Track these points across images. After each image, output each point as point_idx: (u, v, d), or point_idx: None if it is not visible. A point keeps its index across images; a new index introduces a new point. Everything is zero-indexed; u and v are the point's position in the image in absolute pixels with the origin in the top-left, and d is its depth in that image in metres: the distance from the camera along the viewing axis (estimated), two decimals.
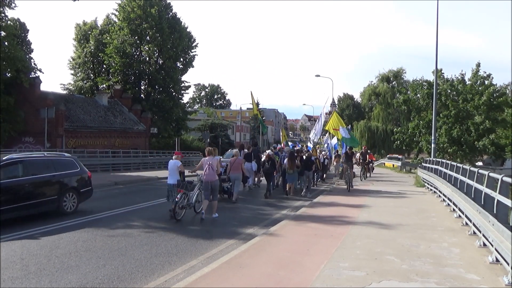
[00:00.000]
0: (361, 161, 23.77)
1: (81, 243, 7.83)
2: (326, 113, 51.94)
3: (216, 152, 11.09)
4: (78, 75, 42.16)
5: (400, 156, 44.03)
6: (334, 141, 29.78)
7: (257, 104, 26.74)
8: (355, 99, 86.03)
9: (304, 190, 16.09)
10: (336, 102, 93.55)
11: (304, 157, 16.47)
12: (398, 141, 35.61)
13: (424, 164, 20.55)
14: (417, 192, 17.52)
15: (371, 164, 26.77)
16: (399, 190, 18.31)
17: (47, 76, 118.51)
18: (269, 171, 15.91)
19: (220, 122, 63.32)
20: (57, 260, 6.70)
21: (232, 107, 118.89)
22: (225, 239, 8.39)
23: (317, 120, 29.28)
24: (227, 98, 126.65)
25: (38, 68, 30.69)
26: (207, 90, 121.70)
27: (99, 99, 35.24)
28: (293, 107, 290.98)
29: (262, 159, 16.95)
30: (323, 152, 25.99)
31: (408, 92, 36.89)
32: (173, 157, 11.25)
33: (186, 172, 11.75)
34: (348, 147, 19.34)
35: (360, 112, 78.48)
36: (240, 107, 71.34)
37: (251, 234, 8.94)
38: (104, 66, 41.13)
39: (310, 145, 29.58)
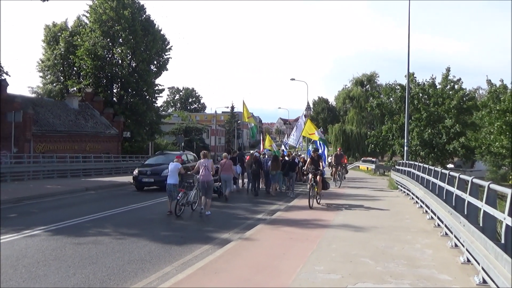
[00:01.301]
0: (334, 164, 22.43)
1: (49, 251, 7.60)
2: (304, 115, 52.43)
3: (210, 155, 13.24)
4: (47, 77, 41.10)
5: (374, 159, 44.87)
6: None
7: (252, 114, 26.95)
8: (330, 103, 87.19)
9: (290, 191, 17.82)
10: (311, 106, 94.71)
11: (287, 158, 18.61)
12: (372, 144, 36.28)
13: (397, 167, 20.98)
14: (390, 194, 17.86)
15: (343, 167, 26.91)
16: (373, 193, 18.62)
17: (14, 79, 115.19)
18: (256, 172, 17.51)
19: (194, 126, 62.96)
20: (24, 270, 6.47)
21: (207, 111, 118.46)
22: (199, 245, 8.31)
23: (295, 127, 29.54)
24: (201, 101, 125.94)
25: (5, 70, 29.76)
26: (181, 93, 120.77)
27: (69, 102, 34.47)
28: (269, 110, 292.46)
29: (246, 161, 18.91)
30: (301, 156, 26.35)
31: (381, 96, 37.68)
32: (174, 160, 12.51)
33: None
34: (338, 148, 21.76)
35: (335, 115, 79.56)
36: (215, 111, 70.98)
37: (226, 239, 8.89)
38: (75, 68, 40.25)
39: (284, 148, 29.78)
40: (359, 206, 13.59)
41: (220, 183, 15.41)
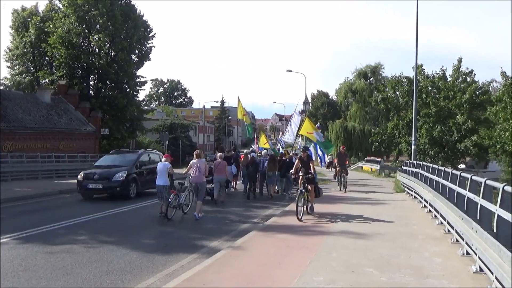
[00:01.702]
0: (337, 165, 21.74)
1: (18, 261, 7.55)
2: (299, 112, 52.47)
3: (203, 154, 13.41)
4: (16, 68, 40.75)
5: (378, 159, 45.10)
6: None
7: (245, 109, 27.28)
8: (330, 97, 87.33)
9: (286, 193, 18.41)
10: (310, 100, 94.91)
11: (283, 159, 19.08)
12: (377, 143, 36.48)
13: (404, 168, 21.11)
14: (396, 198, 17.97)
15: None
16: (378, 196, 18.72)
17: None
18: (253, 173, 17.81)
19: (180, 122, 62.74)
20: None
21: (195, 105, 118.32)
22: (186, 254, 8.31)
23: (289, 122, 29.61)
24: (188, 95, 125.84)
25: None
26: (165, 86, 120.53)
27: (40, 95, 34.21)
28: (263, 105, 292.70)
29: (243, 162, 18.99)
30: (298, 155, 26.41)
31: (387, 89, 37.87)
32: (163, 159, 12.86)
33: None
34: (341, 147, 21.94)
35: (336, 111, 79.76)
36: (204, 106, 70.74)
37: (215, 247, 8.90)
38: (47, 58, 39.96)
39: (280, 146, 29.83)
40: (361, 211, 13.66)
41: (213, 185, 15.73)
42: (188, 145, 58.11)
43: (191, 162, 12.73)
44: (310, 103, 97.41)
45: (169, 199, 11.95)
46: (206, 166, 12.87)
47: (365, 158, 49.94)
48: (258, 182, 18.73)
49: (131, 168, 16.41)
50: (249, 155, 18.81)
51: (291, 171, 13.36)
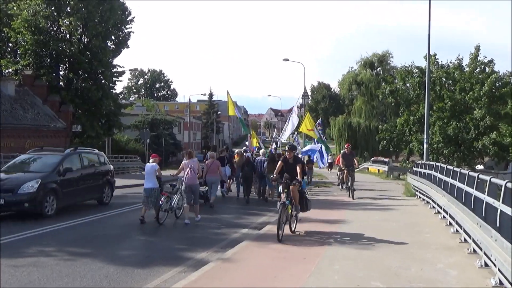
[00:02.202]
0: (343, 167, 20.44)
1: None
2: (298, 106, 52.56)
3: (195, 154, 14.02)
4: None
5: (386, 160, 45.29)
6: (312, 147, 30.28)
7: (235, 104, 27.71)
8: (332, 89, 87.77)
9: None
10: (309, 93, 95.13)
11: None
12: (385, 141, 36.61)
13: (415, 169, 21.18)
14: (406, 203, 18.07)
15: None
16: (385, 201, 18.81)
17: None
18: (249, 174, 18.14)
19: (163, 118, 62.64)
20: None
21: (179, 99, 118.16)
22: (170, 267, 8.30)
23: (288, 120, 29.70)
24: (172, 87, 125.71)
25: None
26: (146, 77, 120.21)
27: (3, 87, 33.98)
28: (256, 99, 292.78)
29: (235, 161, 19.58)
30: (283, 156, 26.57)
31: (396, 81, 38.03)
32: (150, 160, 13.11)
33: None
34: (346, 145, 21.23)
35: (339, 105, 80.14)
36: (189, 99, 70.54)
37: (203, 259, 8.90)
38: (10, 45, 39.64)
39: (275, 146, 29.96)
40: (367, 217, 13.73)
41: (206, 187, 16.29)
42: (171, 144, 58.07)
43: (183, 163, 13.21)
44: (309, 97, 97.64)
45: (160, 202, 12.48)
46: (199, 166, 13.39)
47: (372, 158, 50.14)
48: (254, 185, 19.08)
49: (48, 175, 13.69)
50: (244, 154, 19.21)
51: (272, 176, 12.17)
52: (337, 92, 79.98)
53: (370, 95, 59.34)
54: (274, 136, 48.94)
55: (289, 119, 29.76)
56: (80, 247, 9.77)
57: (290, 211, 10.51)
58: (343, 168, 20.57)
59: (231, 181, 20.25)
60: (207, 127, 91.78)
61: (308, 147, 29.16)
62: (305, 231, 11.34)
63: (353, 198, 18.98)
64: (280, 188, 18.54)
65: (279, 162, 11.28)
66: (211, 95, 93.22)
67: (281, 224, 10.02)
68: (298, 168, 10.73)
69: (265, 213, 15.23)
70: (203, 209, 15.07)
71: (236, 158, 19.77)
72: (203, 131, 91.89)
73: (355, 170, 21.61)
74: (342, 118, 59.40)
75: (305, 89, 65.01)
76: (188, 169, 12.88)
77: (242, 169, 18.40)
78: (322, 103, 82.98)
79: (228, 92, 24.65)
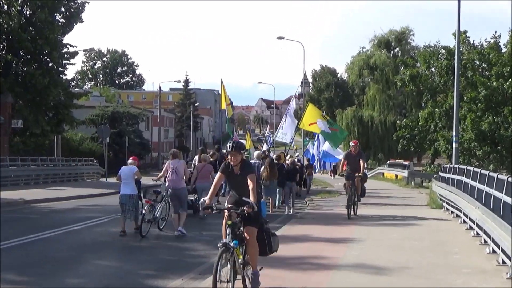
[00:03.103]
0: (346, 172, 18.21)
1: None
2: (295, 96, 52.62)
3: (181, 155, 14.61)
4: None
5: (406, 163, 45.42)
6: (326, 146, 30.39)
7: (230, 100, 28.35)
8: (338, 75, 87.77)
9: (287, 210, 19.33)
10: (310, 80, 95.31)
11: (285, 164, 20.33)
12: (404, 140, 36.75)
13: (441, 174, 21.25)
14: (431, 216, 18.14)
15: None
16: (404, 213, 18.87)
17: None
18: None
19: (127, 111, 62.23)
20: None
21: (147, 87, 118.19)
22: None
23: (285, 115, 29.73)
24: (138, 72, 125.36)
25: None
26: (105, 59, 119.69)
27: None
28: (244, 87, 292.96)
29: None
30: (296, 158, 26.74)
31: (418, 64, 38.23)
32: (128, 162, 13.93)
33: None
34: (353, 142, 19.22)
35: (347, 94, 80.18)
36: (159, 87, 69.98)
37: None
38: None
39: (264, 148, 30.07)
40: (383, 235, 13.75)
41: (196, 196, 17.01)
42: (137, 144, 57.75)
43: (167, 163, 14.14)
44: (310, 84, 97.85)
45: (143, 211, 13.14)
46: (186, 169, 14.20)
47: (388, 161, 50.31)
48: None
49: None
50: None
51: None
52: (344, 78, 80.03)
53: (385, 82, 59.46)
54: (266, 134, 49.01)
55: (286, 114, 29.79)
56: (20, 274, 9.68)
57: (240, 259, 7.74)
58: (341, 173, 19.36)
59: (222, 190, 20.77)
60: (182, 122, 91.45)
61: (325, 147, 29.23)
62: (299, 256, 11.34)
63: (355, 213, 17.69)
64: (277, 196, 18.76)
65: (218, 174, 8.29)
66: (186, 82, 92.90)
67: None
68: (250, 182, 7.75)
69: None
70: (191, 221, 15.23)
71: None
72: (177, 127, 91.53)
73: (366, 177, 19.92)
74: (351, 111, 59.50)
75: (304, 74, 65.50)
76: (170, 170, 13.55)
77: None
78: (326, 92, 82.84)
79: (222, 81, 24.96)
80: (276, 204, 20.42)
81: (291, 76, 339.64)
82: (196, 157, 19.97)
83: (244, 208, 7.44)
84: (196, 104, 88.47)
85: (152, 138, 69.25)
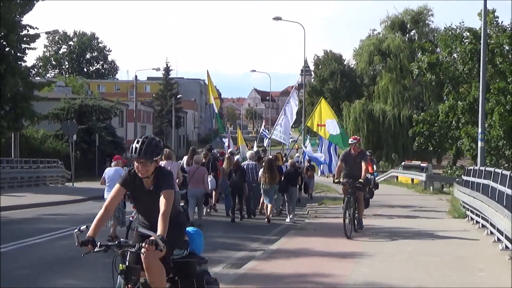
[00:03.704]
0: (342, 179, 16.47)
1: None
2: (296, 87, 52.63)
3: (174, 156, 15.22)
4: None
5: (424, 164, 45.40)
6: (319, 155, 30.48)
7: (217, 90, 28.81)
8: (345, 62, 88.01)
9: (288, 218, 19.76)
10: (312, 67, 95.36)
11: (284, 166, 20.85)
12: (421, 138, 36.79)
13: (465, 178, 21.28)
14: (453, 226, 18.15)
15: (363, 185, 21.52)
16: (422, 223, 18.88)
17: None
18: (238, 185, 19.05)
19: (97, 104, 62.03)
20: None
21: (121, 76, 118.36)
22: None
23: (283, 110, 29.72)
24: (110, 58, 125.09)
25: None
26: (72, 43, 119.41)
27: None
28: (234, 76, 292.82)
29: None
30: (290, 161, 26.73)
31: (438, 49, 38.26)
32: (113, 163, 14.53)
33: None
34: (352, 138, 17.30)
35: (354, 84, 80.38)
36: (135, 76, 69.67)
37: None
38: None
39: (255, 148, 30.17)
40: (397, 249, 13.74)
41: (184, 205, 17.04)
42: (109, 142, 57.47)
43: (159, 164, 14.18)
44: (312, 73, 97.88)
45: (131, 218, 13.40)
46: (180, 172, 14.91)
47: (403, 163, 50.23)
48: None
49: None
50: (232, 157, 20.70)
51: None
52: (352, 66, 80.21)
53: (400, 71, 59.54)
54: (261, 131, 48.95)
55: (285, 109, 29.74)
56: None
57: None
58: (337, 179, 16.75)
59: (215, 197, 21.41)
60: (162, 117, 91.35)
61: (318, 153, 29.23)
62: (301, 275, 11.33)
63: (355, 230, 16.10)
64: (273, 200, 18.74)
65: (115, 187, 6.61)
66: (167, 70, 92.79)
67: (350, 219, 12.20)
68: (162, 202, 6.16)
69: (248, 244, 15.25)
70: None
71: (224, 164, 20.81)
72: (156, 123, 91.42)
73: (369, 182, 19.17)
74: (359, 104, 59.51)
75: (305, 61, 65.36)
76: None
77: (229, 178, 19.43)
78: (330, 82, 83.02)
79: (208, 72, 25.13)
80: (275, 208, 20.74)
81: (289, 63, 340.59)
82: (185, 159, 20.12)
83: (142, 244, 5.83)
84: (178, 96, 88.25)
85: (127, 136, 69.04)
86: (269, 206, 19.54)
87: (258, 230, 17.69)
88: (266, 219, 19.44)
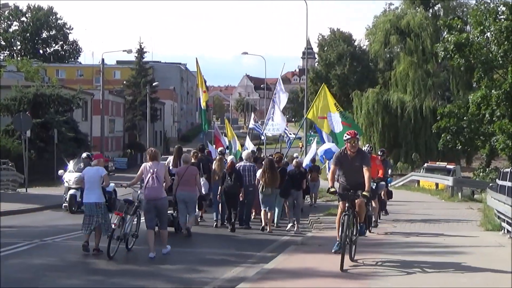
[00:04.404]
0: (341, 187, 14.85)
1: None
2: (296, 72, 52.63)
3: (159, 155, 15.50)
4: None
5: (451, 166, 45.46)
6: (326, 146, 30.52)
7: (204, 81, 29.22)
8: (355, 43, 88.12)
9: (290, 224, 20.64)
10: (315, 49, 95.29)
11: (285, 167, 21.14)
12: (448, 134, 36.83)
13: (500, 182, 21.30)
14: (486, 241, 18.15)
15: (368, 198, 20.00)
16: (449, 237, 18.87)
17: None
18: (233, 190, 19.64)
19: (56, 93, 61.93)
20: None
21: (85, 60, 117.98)
22: None
23: (271, 101, 29.88)
24: (71, 38, 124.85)
25: None
26: (25, 20, 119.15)
27: None
28: (222, 60, 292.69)
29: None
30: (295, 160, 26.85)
31: (468, 27, 38.27)
32: (92, 162, 15.23)
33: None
34: (348, 134, 15.14)
35: (367, 70, 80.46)
36: (102, 59, 69.33)
37: None
38: None
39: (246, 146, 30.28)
40: (415, 266, 13.78)
41: (174, 210, 18.24)
42: (71, 139, 57.39)
43: (143, 165, 15.02)
44: (316, 55, 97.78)
45: (113, 226, 14.32)
46: (167, 174, 15.45)
47: (425, 165, 50.22)
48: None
49: None
50: (223, 159, 21.26)
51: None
52: (364, 47, 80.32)
53: (422, 53, 59.55)
54: (252, 126, 48.89)
55: (273, 101, 29.89)
56: None
57: None
58: (332, 188, 14.17)
59: (206, 202, 21.98)
60: (135, 109, 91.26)
61: (324, 146, 29.22)
62: None
63: (352, 259, 14.52)
64: (276, 210, 18.81)
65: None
66: (141, 53, 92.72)
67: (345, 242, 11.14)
68: (374, 164, 7.40)
69: (242, 260, 15.27)
70: (176, 239, 16.20)
71: (216, 166, 21.25)
72: (128, 116, 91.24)
73: (377, 191, 18.78)
74: (372, 93, 59.46)
75: (307, 42, 65.10)
76: (150, 175, 14.45)
77: (222, 182, 19.78)
78: (338, 67, 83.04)
79: (197, 60, 25.29)
80: (275, 220, 20.95)
81: (288, 44, 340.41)
82: (170, 159, 20.48)
83: None
84: (154, 84, 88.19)
85: (92, 132, 68.98)
86: (269, 213, 19.83)
87: (252, 244, 17.76)
88: (261, 228, 19.94)
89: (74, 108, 63.14)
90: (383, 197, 22.14)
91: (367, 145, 24.44)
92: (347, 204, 13.73)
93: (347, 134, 14.41)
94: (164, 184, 14.91)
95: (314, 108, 25.61)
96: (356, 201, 13.76)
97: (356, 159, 14.01)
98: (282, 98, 29.82)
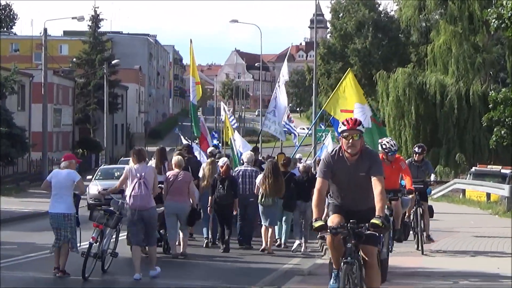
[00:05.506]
0: (330, 208, 12.68)
1: None
2: (300, 47, 53.03)
3: (145, 155, 16.13)
4: None
5: (507, 171, 45.61)
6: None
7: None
8: (380, 8, 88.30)
9: (297, 242, 20.98)
10: (329, 15, 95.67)
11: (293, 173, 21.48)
12: (503, 128, 37.08)
13: None
14: None
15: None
16: (505, 267, 19.06)
17: None
18: (226, 201, 20.33)
19: None
20: None
21: (22, 30, 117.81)
22: None
23: (276, 87, 30.12)
24: (3, 1, 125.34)
25: None
26: None
27: None
28: (205, 31, 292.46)
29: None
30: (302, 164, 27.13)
31: None
32: (62, 164, 15.75)
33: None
34: (343, 120, 16.09)
35: (396, 43, 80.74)
36: (45, 29, 69.64)
37: None
38: None
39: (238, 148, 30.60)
40: None
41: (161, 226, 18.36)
42: (4, 135, 57.71)
43: (127, 168, 15.89)
44: (328, 24, 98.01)
45: (91, 240, 14.92)
46: (156, 180, 15.95)
47: (473, 168, 50.41)
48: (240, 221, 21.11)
49: None
50: (215, 161, 21.75)
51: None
52: (391, 13, 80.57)
53: (468, 22, 59.52)
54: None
55: (277, 88, 30.10)
56: None
57: None
58: (318, 222, 10.93)
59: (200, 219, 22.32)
60: (88, 95, 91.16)
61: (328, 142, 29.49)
62: None
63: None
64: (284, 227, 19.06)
65: None
66: (96, 21, 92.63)
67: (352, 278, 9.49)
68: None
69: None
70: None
71: (205, 171, 21.60)
72: (79, 104, 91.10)
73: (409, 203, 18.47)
74: (403, 74, 59.47)
75: (317, 7, 65.10)
76: (136, 181, 15.04)
77: (213, 191, 20.17)
78: (358, 40, 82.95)
79: (191, 41, 25.85)
80: (283, 239, 21.58)
81: (291, 11, 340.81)
82: (152, 162, 20.47)
83: None
84: (114, 62, 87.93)
85: (32, 126, 69.07)
86: (270, 230, 20.17)
87: (246, 273, 17.78)
88: (261, 249, 20.31)
89: (7, 94, 63.19)
90: (421, 217, 20.29)
91: (386, 139, 18.66)
92: (348, 245, 10.27)
93: (343, 123, 11.01)
94: (153, 192, 15.29)
95: (335, 100, 25.60)
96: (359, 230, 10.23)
97: (359, 165, 10.77)
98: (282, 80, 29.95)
